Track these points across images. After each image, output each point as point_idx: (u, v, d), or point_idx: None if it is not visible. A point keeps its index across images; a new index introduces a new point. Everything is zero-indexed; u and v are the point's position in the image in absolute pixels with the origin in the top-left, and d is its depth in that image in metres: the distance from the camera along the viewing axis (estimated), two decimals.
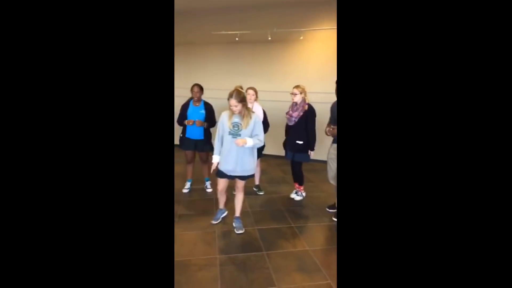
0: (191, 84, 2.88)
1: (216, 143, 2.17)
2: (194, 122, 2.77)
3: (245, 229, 2.31)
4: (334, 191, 2.69)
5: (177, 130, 3.01)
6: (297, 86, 2.67)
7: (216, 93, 4.06)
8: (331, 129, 2.45)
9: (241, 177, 2.19)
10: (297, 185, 2.97)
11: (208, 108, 2.87)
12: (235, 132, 2.07)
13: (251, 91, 2.77)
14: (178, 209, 2.67)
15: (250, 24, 4.09)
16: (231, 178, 2.20)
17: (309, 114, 2.65)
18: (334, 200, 2.74)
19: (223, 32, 4.04)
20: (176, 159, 4.07)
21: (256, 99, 2.80)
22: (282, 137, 2.99)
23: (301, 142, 2.69)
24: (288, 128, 2.78)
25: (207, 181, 3.15)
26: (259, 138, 2.08)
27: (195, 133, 2.86)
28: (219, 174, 2.21)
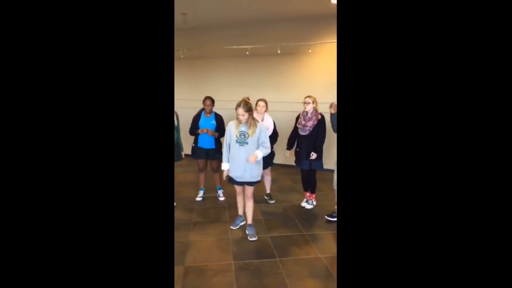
0: (203, 96, 3.04)
1: (224, 151, 2.30)
2: (208, 130, 2.90)
3: (258, 236, 2.38)
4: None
5: (189, 140, 3.15)
6: (309, 96, 2.78)
7: (227, 104, 4.20)
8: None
9: (249, 183, 2.29)
10: (308, 194, 3.03)
11: (219, 118, 3.02)
12: (242, 140, 2.20)
13: (261, 103, 2.89)
14: (193, 217, 2.76)
15: (260, 38, 4.26)
16: (240, 184, 2.31)
17: (322, 123, 2.76)
18: None
19: (234, 47, 4.21)
20: (188, 168, 4.24)
21: (266, 110, 2.91)
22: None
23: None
24: (300, 138, 2.85)
25: (219, 189, 3.24)
26: (265, 146, 2.20)
27: (206, 142, 2.99)
28: (231, 181, 2.33)
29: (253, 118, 2.22)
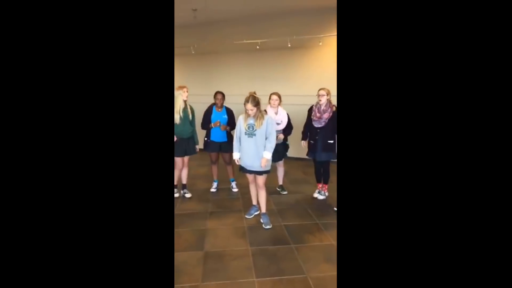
0: (214, 91, 3.12)
1: (234, 142, 2.47)
2: (220, 123, 2.98)
3: (272, 225, 2.45)
4: None
5: (202, 134, 3.23)
6: (323, 88, 2.80)
7: (238, 99, 4.26)
8: None
9: (259, 172, 2.40)
10: (321, 185, 3.08)
11: (230, 113, 3.10)
12: (251, 132, 2.34)
13: (274, 96, 2.94)
14: (209, 207, 2.86)
15: (270, 32, 4.29)
16: (251, 173, 2.44)
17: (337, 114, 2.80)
18: None
19: (245, 41, 4.26)
20: (200, 162, 4.34)
21: (280, 103, 2.96)
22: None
23: (332, 141, 2.82)
24: (314, 130, 2.86)
25: (232, 181, 3.33)
26: (271, 140, 2.33)
27: (219, 136, 3.08)
28: (242, 169, 2.48)
29: (261, 111, 2.34)
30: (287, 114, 2.99)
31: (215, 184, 3.32)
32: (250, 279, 1.76)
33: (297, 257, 1.99)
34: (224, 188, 3.34)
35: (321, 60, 4.27)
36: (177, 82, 3.14)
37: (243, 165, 2.44)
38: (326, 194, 3.08)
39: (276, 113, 2.93)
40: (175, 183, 3.05)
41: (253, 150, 2.34)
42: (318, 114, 2.82)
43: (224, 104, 3.12)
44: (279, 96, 2.95)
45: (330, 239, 2.24)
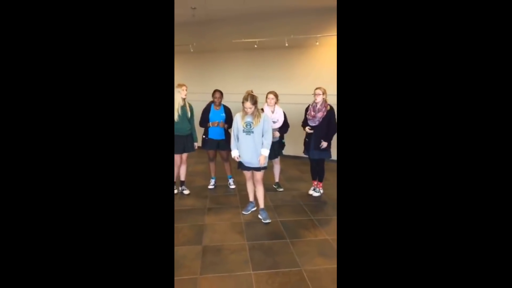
0: (212, 89, 3.17)
1: (232, 140, 2.51)
2: (219, 123, 3.03)
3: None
4: None
5: (199, 131, 3.28)
6: (319, 87, 2.88)
7: (236, 97, 4.31)
8: None
9: (257, 169, 2.47)
10: (316, 182, 3.15)
11: (227, 111, 3.16)
12: (249, 129, 2.40)
13: (271, 95, 2.99)
14: (207, 203, 2.92)
15: (268, 31, 4.34)
16: (250, 169, 2.50)
17: (331, 114, 2.87)
18: None
19: (243, 40, 4.30)
20: (198, 159, 4.39)
21: (276, 102, 3.02)
22: (299, 138, 3.19)
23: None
24: (311, 128, 2.92)
25: (230, 178, 3.39)
26: (267, 138, 2.41)
27: (217, 133, 3.14)
28: (240, 166, 2.53)
29: (258, 110, 2.41)
30: (284, 113, 3.06)
31: (213, 181, 3.38)
32: (247, 271, 1.83)
33: (292, 251, 2.07)
34: (221, 185, 3.40)
35: (318, 59, 4.33)
36: (176, 80, 3.18)
37: (242, 161, 2.50)
38: (321, 191, 3.16)
39: (272, 112, 2.99)
40: (174, 180, 3.11)
41: (251, 147, 2.40)
42: (312, 113, 2.89)
43: (222, 103, 3.17)
44: (276, 95, 3.01)
45: (324, 234, 2.32)
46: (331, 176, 3.75)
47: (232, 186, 3.35)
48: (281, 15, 4.30)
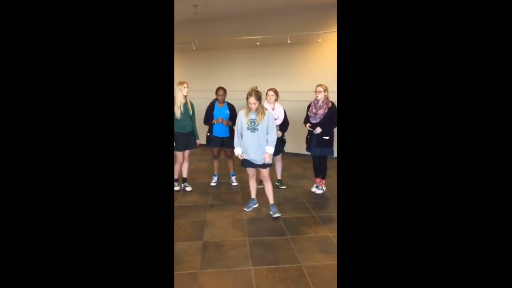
0: (215, 87, 3.17)
1: (236, 138, 2.50)
2: (223, 119, 3.04)
3: (271, 217, 2.51)
4: None
5: (204, 129, 3.29)
6: (320, 85, 2.86)
7: (239, 95, 4.31)
8: None
9: (262, 166, 2.46)
10: (318, 180, 3.14)
11: (231, 108, 3.16)
12: (253, 127, 2.39)
13: (271, 92, 2.98)
14: (209, 200, 2.93)
15: (270, 28, 4.32)
16: (254, 166, 2.50)
17: (333, 110, 2.84)
18: None
19: (245, 37, 4.29)
20: (201, 157, 4.41)
21: (276, 99, 3.01)
22: (301, 135, 3.17)
23: (327, 138, 2.87)
24: (311, 126, 2.92)
25: (232, 175, 3.40)
26: (272, 135, 2.40)
27: (221, 131, 3.15)
28: (244, 163, 2.52)
29: (262, 106, 2.39)
30: (284, 110, 3.04)
31: (215, 178, 3.39)
32: (247, 267, 1.83)
33: (293, 247, 2.06)
34: (224, 182, 3.41)
35: (320, 56, 4.30)
36: (178, 78, 3.20)
37: (246, 158, 2.49)
38: (324, 188, 3.14)
39: (273, 109, 2.98)
40: (176, 177, 3.13)
41: (255, 144, 2.39)
42: (314, 110, 2.88)
43: (226, 100, 3.18)
44: (276, 92, 3.00)
45: (325, 231, 2.30)
46: (334, 173, 3.72)
47: (235, 184, 3.36)
48: (283, 12, 4.27)
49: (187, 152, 3.08)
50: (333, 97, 3.03)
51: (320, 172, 3.11)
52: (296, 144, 3.99)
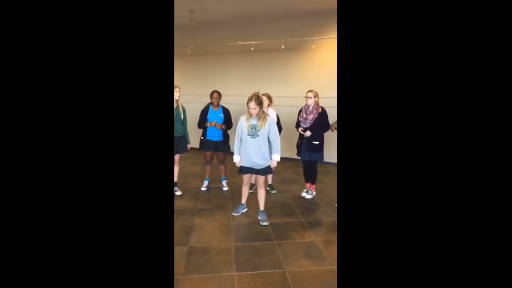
0: (210, 91, 3.18)
1: (236, 144, 2.46)
2: (216, 123, 3.05)
3: (257, 223, 2.52)
4: None
5: (196, 133, 3.30)
6: (310, 90, 2.90)
7: (233, 99, 4.35)
8: (336, 127, 2.66)
9: (261, 172, 2.47)
10: (308, 185, 3.15)
11: (226, 112, 3.16)
12: (254, 133, 2.36)
13: (264, 97, 3.01)
14: (198, 204, 2.93)
15: (264, 34, 4.36)
16: (253, 172, 2.50)
17: (323, 115, 2.88)
18: None
19: (240, 43, 4.33)
20: (194, 161, 4.41)
21: (270, 104, 3.03)
22: (294, 140, 3.19)
23: (317, 142, 2.90)
24: (303, 130, 2.94)
25: (223, 180, 3.40)
26: (276, 143, 2.40)
27: (215, 135, 3.15)
28: (242, 170, 2.51)
29: (263, 112, 2.39)
30: (277, 115, 3.07)
31: (206, 183, 3.39)
32: (231, 272, 1.83)
33: (278, 252, 2.06)
34: (215, 186, 3.41)
35: (313, 62, 4.34)
36: None
37: (244, 165, 2.47)
38: (314, 193, 3.15)
39: None
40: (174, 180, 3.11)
41: (256, 150, 2.36)
42: (304, 115, 2.91)
43: (220, 104, 3.19)
44: (269, 97, 3.03)
45: (312, 236, 2.31)
46: (325, 178, 3.74)
47: (225, 188, 3.36)
48: (277, 18, 4.32)
49: (177, 156, 3.09)
50: (330, 102, 3.06)
51: (310, 177, 3.12)
52: (289, 148, 4.00)
